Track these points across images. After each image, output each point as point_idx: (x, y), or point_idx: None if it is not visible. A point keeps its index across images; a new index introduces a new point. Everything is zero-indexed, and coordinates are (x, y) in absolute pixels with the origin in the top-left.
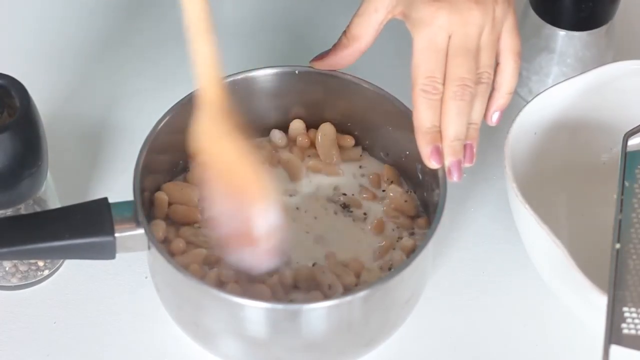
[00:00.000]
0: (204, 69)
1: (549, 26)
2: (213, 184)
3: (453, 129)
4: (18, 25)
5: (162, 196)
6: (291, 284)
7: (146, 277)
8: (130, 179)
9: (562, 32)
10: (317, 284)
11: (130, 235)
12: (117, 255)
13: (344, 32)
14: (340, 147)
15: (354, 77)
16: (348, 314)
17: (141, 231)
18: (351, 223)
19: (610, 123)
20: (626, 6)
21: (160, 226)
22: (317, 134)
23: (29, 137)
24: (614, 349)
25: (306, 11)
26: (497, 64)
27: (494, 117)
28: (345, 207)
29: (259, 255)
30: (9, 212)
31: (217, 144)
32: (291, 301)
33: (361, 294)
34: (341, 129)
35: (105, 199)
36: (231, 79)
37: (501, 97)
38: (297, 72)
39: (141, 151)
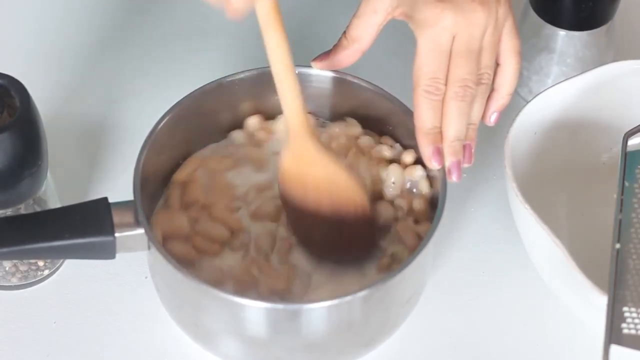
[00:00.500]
0: (292, 102)
1: (549, 26)
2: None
3: (454, 129)
4: (18, 25)
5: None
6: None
7: (146, 277)
8: (130, 179)
9: (562, 32)
10: None
11: (130, 235)
12: (117, 255)
13: (344, 33)
14: None
15: (354, 77)
16: (348, 314)
17: (141, 231)
18: None
19: (610, 123)
20: (626, 6)
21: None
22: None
23: (29, 137)
24: (614, 349)
25: (306, 11)
26: (497, 65)
27: (492, 118)
28: None
29: None
30: (9, 212)
31: (315, 164)
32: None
33: (361, 294)
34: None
35: (105, 199)
36: (231, 79)
37: (501, 98)
38: (297, 72)
39: (141, 151)
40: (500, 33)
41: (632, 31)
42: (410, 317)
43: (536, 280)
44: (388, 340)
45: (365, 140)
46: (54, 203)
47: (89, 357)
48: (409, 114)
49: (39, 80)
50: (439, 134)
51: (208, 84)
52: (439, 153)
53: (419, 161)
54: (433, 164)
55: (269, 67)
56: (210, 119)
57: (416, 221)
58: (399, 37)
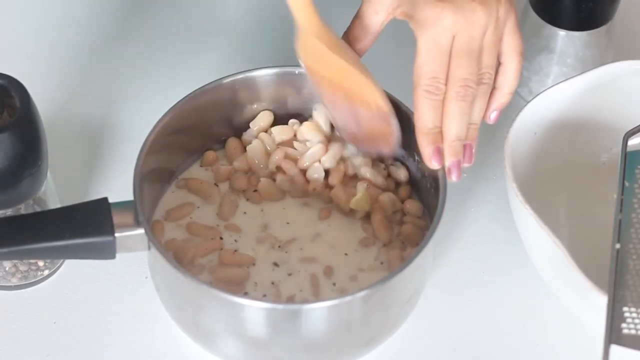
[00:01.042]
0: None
1: (549, 26)
2: (325, 96)
3: (454, 129)
4: (18, 25)
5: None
6: None
7: (146, 277)
8: (130, 179)
9: (562, 32)
10: None
11: (130, 235)
12: (117, 255)
13: (345, 34)
14: None
15: None
16: (348, 314)
17: (141, 231)
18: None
19: (610, 123)
20: (626, 6)
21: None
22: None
23: (29, 137)
24: (614, 349)
25: None
26: (498, 64)
27: (492, 116)
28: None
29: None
30: (9, 212)
31: (325, 60)
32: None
33: (361, 294)
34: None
35: (105, 199)
36: (231, 79)
37: (502, 97)
38: (297, 72)
39: (141, 151)
40: (502, 32)
41: (632, 31)
42: (410, 317)
43: (536, 280)
44: (388, 340)
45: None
46: (54, 203)
47: (89, 357)
48: (409, 114)
49: (39, 80)
50: (439, 133)
51: (208, 84)
52: (439, 153)
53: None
54: (433, 164)
55: (269, 67)
56: (210, 120)
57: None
58: (399, 37)
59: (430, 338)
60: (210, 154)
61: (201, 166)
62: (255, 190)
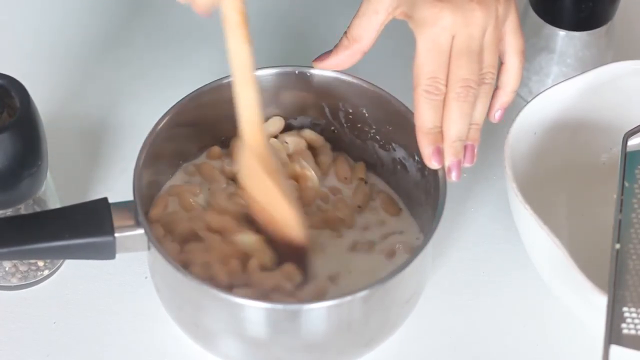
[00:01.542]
0: (247, 112)
1: (549, 26)
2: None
3: (455, 129)
4: (18, 25)
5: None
6: None
7: (146, 277)
8: (130, 179)
9: (562, 32)
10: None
11: (130, 235)
12: (117, 255)
13: (345, 34)
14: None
15: (354, 77)
16: (348, 314)
17: (141, 231)
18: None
19: (610, 123)
20: (626, 6)
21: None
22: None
23: (29, 137)
24: (614, 349)
25: (306, 11)
26: (500, 63)
27: (496, 115)
28: None
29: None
30: (9, 212)
31: (257, 182)
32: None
33: (361, 294)
34: (342, 129)
35: (105, 199)
36: (231, 79)
37: (505, 95)
38: (297, 72)
39: (141, 151)
40: (502, 31)
41: (632, 31)
42: (410, 317)
43: (536, 280)
44: (388, 340)
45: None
46: (54, 203)
47: (89, 357)
48: (409, 114)
49: (39, 80)
50: (439, 133)
51: (208, 84)
52: (439, 153)
53: None
54: (433, 164)
55: (269, 67)
56: (210, 120)
57: None
58: (399, 37)
59: (430, 338)
60: (216, 149)
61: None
62: None
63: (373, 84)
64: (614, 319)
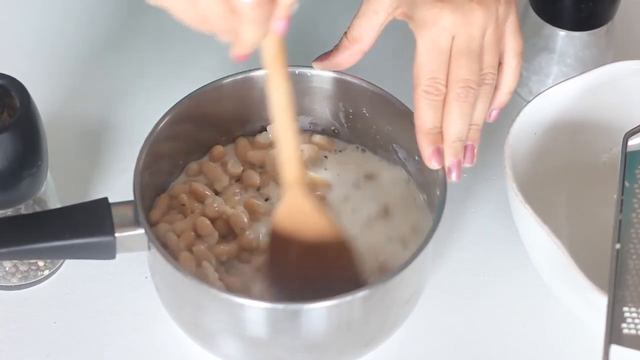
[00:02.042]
0: (288, 152)
1: (549, 26)
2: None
3: (455, 130)
4: (18, 25)
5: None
6: None
7: (146, 277)
8: (130, 179)
9: (562, 32)
10: None
11: (130, 235)
12: (117, 255)
13: (345, 34)
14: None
15: (354, 77)
16: (348, 314)
17: (141, 231)
18: None
19: (610, 123)
20: (626, 6)
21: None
22: None
23: (29, 137)
24: (614, 349)
25: (306, 11)
26: (499, 63)
27: (492, 114)
28: None
29: None
30: (9, 212)
31: (303, 218)
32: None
33: (361, 294)
34: (342, 129)
35: (105, 199)
36: (231, 79)
37: (501, 96)
38: (297, 72)
39: (141, 151)
40: (502, 32)
41: (632, 31)
42: (410, 317)
43: (536, 280)
44: (388, 340)
45: None
46: (54, 203)
47: (89, 357)
48: (409, 114)
49: (39, 80)
50: (439, 134)
51: (208, 84)
52: (439, 153)
53: None
54: (433, 164)
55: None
56: (211, 119)
57: None
58: (399, 37)
59: (430, 338)
60: (219, 148)
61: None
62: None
63: (373, 84)
64: (614, 319)
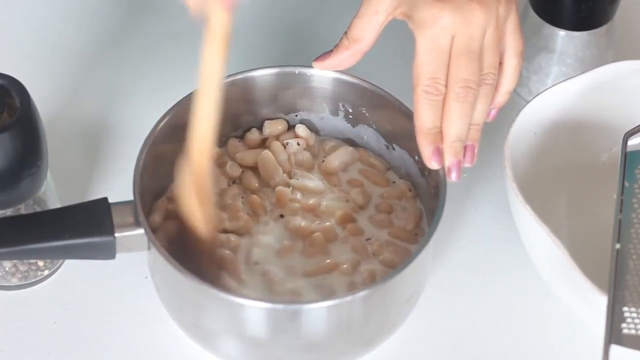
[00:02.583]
0: (202, 128)
1: (549, 26)
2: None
3: (455, 130)
4: (18, 25)
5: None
6: None
7: (146, 277)
8: (130, 179)
9: (562, 32)
10: None
11: (130, 235)
12: (117, 255)
13: (345, 34)
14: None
15: (354, 77)
16: (348, 313)
17: (141, 231)
18: None
19: (610, 123)
20: (626, 6)
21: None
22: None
23: (29, 137)
24: (614, 349)
25: (306, 11)
26: (499, 63)
27: (490, 114)
28: None
29: None
30: (9, 212)
31: (190, 203)
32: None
33: (361, 293)
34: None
35: (105, 199)
36: (231, 79)
37: (500, 96)
38: (297, 72)
39: (141, 151)
40: (503, 32)
41: (632, 31)
42: (410, 317)
43: (536, 280)
44: (388, 340)
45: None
46: (54, 203)
47: (89, 357)
48: (409, 114)
49: (39, 80)
50: (439, 133)
51: None
52: (439, 153)
53: None
54: (432, 164)
55: (269, 67)
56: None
57: None
58: (399, 37)
59: (430, 338)
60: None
61: None
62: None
63: (373, 84)
64: (614, 318)
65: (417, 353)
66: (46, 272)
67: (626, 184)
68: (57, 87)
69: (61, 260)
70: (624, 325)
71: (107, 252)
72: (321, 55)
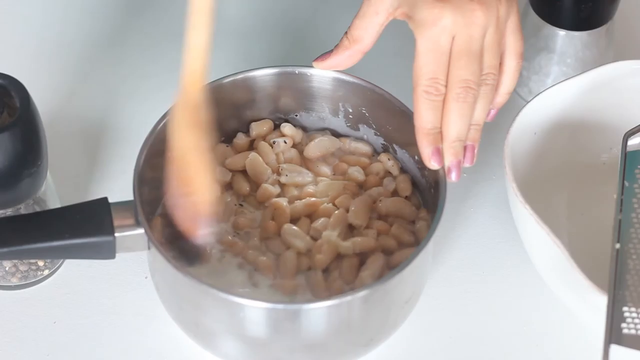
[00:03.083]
0: (194, 58)
1: (549, 26)
2: (170, 167)
3: (455, 130)
4: (19, 25)
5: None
6: None
7: (146, 277)
8: (130, 179)
9: (562, 32)
10: None
11: (130, 235)
12: (117, 255)
13: (345, 34)
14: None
15: (354, 77)
16: (348, 314)
17: (141, 231)
18: None
19: (610, 123)
20: (626, 6)
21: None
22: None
23: (29, 137)
24: (614, 349)
25: (306, 11)
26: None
27: (489, 114)
28: None
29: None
30: (9, 212)
31: (183, 134)
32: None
33: (361, 293)
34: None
35: (105, 199)
36: (231, 79)
37: (500, 96)
38: (297, 72)
39: (141, 151)
40: (503, 32)
41: (632, 31)
42: (410, 317)
43: (536, 280)
44: (388, 340)
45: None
46: (54, 203)
47: (89, 357)
48: (409, 114)
49: (39, 80)
50: (439, 134)
51: (208, 84)
52: (439, 153)
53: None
54: (432, 164)
55: (269, 67)
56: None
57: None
58: (399, 37)
59: (430, 338)
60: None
61: None
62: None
63: (373, 84)
64: (614, 318)
65: (417, 353)
66: (46, 272)
67: (626, 184)
68: (57, 87)
69: (61, 260)
70: (624, 325)
71: (107, 252)
72: (321, 55)
